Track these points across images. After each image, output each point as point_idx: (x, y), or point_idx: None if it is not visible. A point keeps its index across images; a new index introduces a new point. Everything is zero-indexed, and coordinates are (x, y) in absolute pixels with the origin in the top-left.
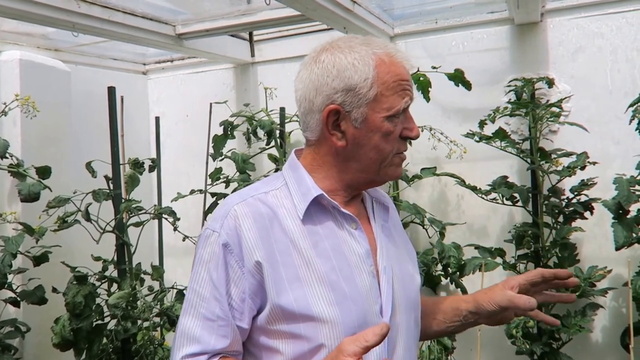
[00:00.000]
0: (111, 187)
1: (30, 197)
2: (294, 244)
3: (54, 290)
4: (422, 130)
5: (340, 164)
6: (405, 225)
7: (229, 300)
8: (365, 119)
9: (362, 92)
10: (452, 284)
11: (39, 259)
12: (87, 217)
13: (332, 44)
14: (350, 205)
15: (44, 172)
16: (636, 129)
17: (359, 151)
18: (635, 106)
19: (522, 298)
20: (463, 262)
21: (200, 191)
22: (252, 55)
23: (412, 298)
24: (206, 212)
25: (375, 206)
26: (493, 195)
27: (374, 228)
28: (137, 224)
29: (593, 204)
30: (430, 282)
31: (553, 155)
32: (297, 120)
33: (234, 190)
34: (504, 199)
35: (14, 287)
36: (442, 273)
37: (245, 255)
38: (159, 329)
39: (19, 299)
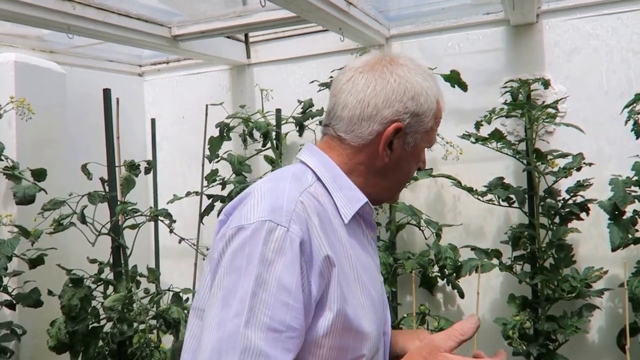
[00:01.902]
0: (107, 190)
1: (25, 200)
2: (344, 248)
3: (50, 292)
4: None
5: (369, 176)
6: (402, 226)
7: (304, 307)
8: (415, 145)
9: (424, 121)
10: (448, 285)
11: (35, 262)
12: (83, 219)
13: (401, 60)
14: None
15: (39, 174)
16: (632, 130)
17: (394, 171)
18: (630, 107)
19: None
20: (459, 264)
21: (197, 193)
22: (248, 56)
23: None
24: (202, 214)
25: None
26: (489, 196)
27: None
28: (132, 226)
29: (589, 205)
30: (426, 284)
31: (549, 157)
32: (292, 122)
33: (231, 192)
34: (500, 200)
35: (10, 289)
36: (439, 274)
37: (315, 256)
38: (155, 331)
39: (14, 301)
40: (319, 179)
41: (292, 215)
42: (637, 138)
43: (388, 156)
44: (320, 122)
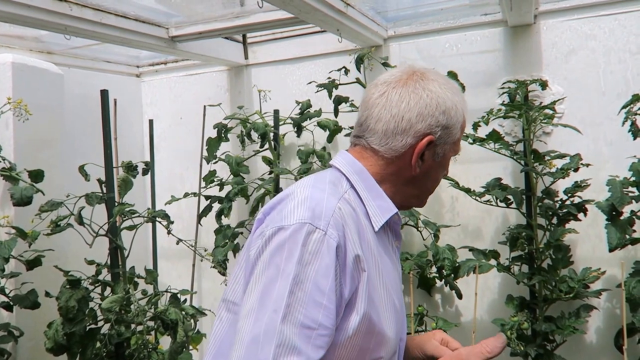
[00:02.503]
0: (104, 191)
1: (22, 201)
2: (373, 255)
3: (47, 294)
4: None
5: (400, 185)
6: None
7: (336, 308)
8: (444, 155)
9: (453, 133)
10: (446, 286)
11: (32, 263)
12: (80, 220)
13: (431, 75)
14: None
15: (36, 175)
16: (629, 131)
17: (423, 180)
18: (627, 108)
19: (447, 351)
20: (457, 264)
21: (194, 194)
22: (246, 57)
23: None
24: (200, 215)
25: None
26: (487, 197)
27: None
28: (130, 228)
29: (587, 206)
30: (424, 285)
31: (547, 157)
32: (290, 123)
33: (228, 193)
34: (498, 201)
35: (7, 291)
36: (437, 275)
37: (349, 260)
38: (152, 332)
39: (11, 303)
40: (352, 186)
41: (330, 219)
42: (634, 139)
43: (419, 167)
44: (318, 123)
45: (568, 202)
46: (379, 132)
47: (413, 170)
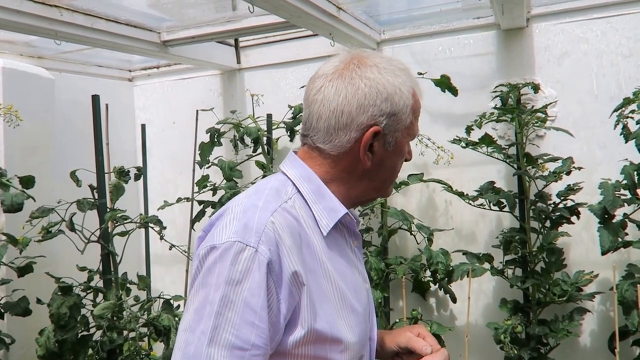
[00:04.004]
0: (96, 197)
1: (13, 208)
2: (320, 263)
3: (39, 301)
4: None
5: (353, 181)
6: (394, 231)
7: (270, 326)
8: (396, 142)
9: (402, 118)
10: (440, 290)
11: (23, 270)
12: (72, 227)
13: (370, 60)
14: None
15: (27, 181)
16: (621, 134)
17: (378, 172)
18: (619, 111)
19: (419, 342)
20: (451, 268)
21: (187, 199)
22: (238, 61)
23: None
24: (193, 220)
25: None
26: (480, 200)
27: None
28: (122, 234)
29: (579, 209)
30: (419, 289)
31: (539, 161)
32: (283, 127)
33: (221, 198)
34: (491, 204)
35: None
36: (431, 279)
37: (285, 276)
38: (145, 339)
39: (2, 310)
40: (298, 191)
41: (261, 235)
42: (626, 142)
43: (370, 160)
44: None
45: (561, 205)
46: (321, 130)
47: (364, 164)
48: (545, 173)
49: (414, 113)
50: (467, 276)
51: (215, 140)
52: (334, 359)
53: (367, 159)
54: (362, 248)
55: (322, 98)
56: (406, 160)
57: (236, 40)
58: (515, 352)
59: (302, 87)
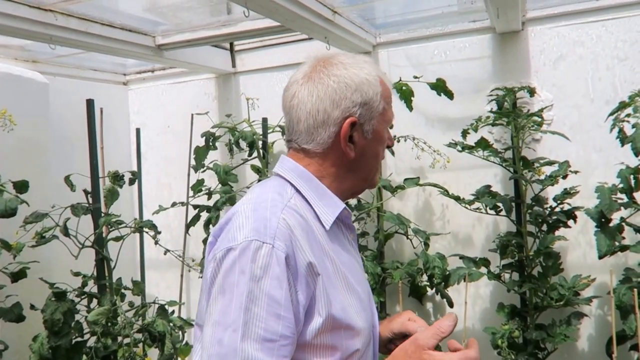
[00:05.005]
0: (90, 201)
1: (7, 213)
2: (327, 255)
3: (32, 307)
4: (406, 140)
5: (343, 174)
6: (390, 235)
7: (294, 316)
8: (374, 130)
9: (374, 106)
10: (437, 294)
11: (17, 276)
12: (66, 232)
13: (335, 59)
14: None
15: (21, 186)
16: (617, 137)
17: (362, 161)
18: (615, 114)
19: (413, 324)
20: (448, 273)
21: (182, 203)
22: (234, 65)
23: None
24: (188, 225)
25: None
26: (477, 204)
27: None
28: (117, 239)
29: (576, 213)
30: (415, 293)
31: (535, 164)
32: (279, 131)
33: (217, 203)
34: (487, 208)
35: None
36: (428, 284)
37: (300, 268)
38: (140, 345)
39: None
40: (297, 190)
41: (275, 232)
42: (622, 145)
43: (352, 150)
44: None
45: (558, 209)
46: (302, 131)
47: (348, 156)
48: (542, 177)
49: (385, 99)
50: (464, 280)
51: (211, 144)
52: (349, 345)
53: (349, 150)
54: (359, 252)
55: (297, 102)
56: (388, 147)
57: (231, 44)
58: (513, 357)
59: None
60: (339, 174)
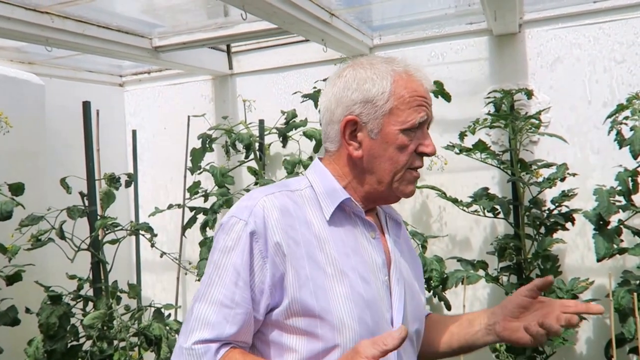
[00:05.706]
0: (86, 204)
1: (2, 215)
2: (318, 241)
3: (28, 310)
4: None
5: (358, 175)
6: None
7: (251, 288)
8: (381, 130)
9: (378, 104)
10: (435, 297)
11: (12, 279)
12: (62, 235)
13: (356, 61)
14: (367, 216)
15: (17, 189)
16: (615, 140)
17: (374, 162)
18: (613, 117)
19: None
20: (445, 276)
21: (179, 205)
22: (230, 67)
23: (418, 314)
24: (185, 227)
25: (389, 221)
26: (474, 207)
27: (388, 242)
28: (113, 241)
29: (574, 215)
30: None
31: (533, 167)
32: (276, 133)
33: (213, 205)
34: (485, 211)
35: None
36: (426, 287)
37: (270, 246)
38: (136, 349)
39: None
40: (311, 185)
41: (252, 210)
42: (620, 148)
43: (358, 149)
44: (304, 133)
45: (555, 212)
46: (323, 131)
47: (353, 154)
48: (540, 179)
49: (399, 99)
50: (462, 283)
51: (207, 146)
52: (327, 338)
53: (353, 148)
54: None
55: (320, 102)
56: (421, 154)
57: (228, 46)
58: None
59: (295, 93)
60: (354, 174)
